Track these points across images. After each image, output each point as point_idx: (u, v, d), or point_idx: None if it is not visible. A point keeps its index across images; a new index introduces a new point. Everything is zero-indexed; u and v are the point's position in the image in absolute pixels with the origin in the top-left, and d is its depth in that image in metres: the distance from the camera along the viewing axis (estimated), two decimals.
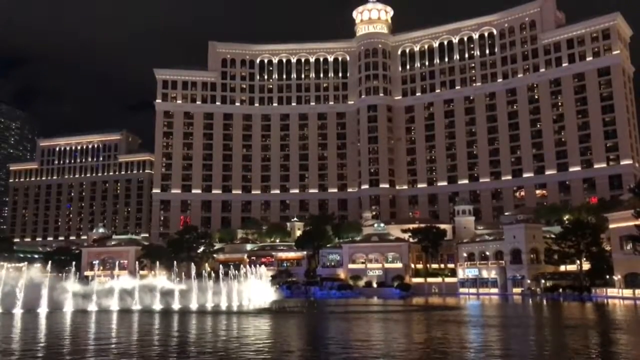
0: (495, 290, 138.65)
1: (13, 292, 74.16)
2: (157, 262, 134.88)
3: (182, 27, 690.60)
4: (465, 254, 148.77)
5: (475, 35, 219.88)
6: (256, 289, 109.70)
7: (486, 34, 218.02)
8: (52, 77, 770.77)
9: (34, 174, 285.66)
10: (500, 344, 40.77)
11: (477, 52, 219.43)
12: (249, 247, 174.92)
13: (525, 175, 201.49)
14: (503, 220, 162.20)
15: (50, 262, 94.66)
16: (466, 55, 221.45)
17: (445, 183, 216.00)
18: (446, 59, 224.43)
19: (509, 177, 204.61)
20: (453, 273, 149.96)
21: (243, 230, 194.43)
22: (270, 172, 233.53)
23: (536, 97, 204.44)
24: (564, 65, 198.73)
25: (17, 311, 71.42)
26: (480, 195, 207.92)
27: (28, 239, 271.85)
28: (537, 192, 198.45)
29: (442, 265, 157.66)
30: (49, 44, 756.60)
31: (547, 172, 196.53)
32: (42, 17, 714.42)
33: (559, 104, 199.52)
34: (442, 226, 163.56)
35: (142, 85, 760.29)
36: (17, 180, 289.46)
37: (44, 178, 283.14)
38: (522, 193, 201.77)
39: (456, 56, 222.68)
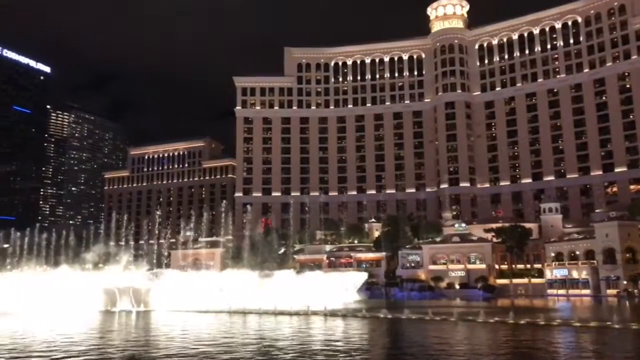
0: (586, 291, 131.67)
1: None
2: (241, 263, 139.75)
3: (260, 35, 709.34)
4: (552, 254, 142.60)
5: (558, 25, 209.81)
6: (339, 289, 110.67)
7: (570, 23, 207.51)
8: (140, 91, 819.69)
9: (126, 181, 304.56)
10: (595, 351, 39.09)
11: (560, 42, 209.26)
12: (327, 248, 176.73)
13: (617, 169, 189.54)
14: (594, 218, 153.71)
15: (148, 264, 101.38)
16: (548, 46, 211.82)
17: (529, 180, 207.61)
18: (527, 51, 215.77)
19: (599, 172, 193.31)
20: (540, 274, 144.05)
21: (321, 231, 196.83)
22: (346, 173, 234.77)
23: (627, 86, 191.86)
24: None
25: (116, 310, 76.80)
26: (567, 191, 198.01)
27: (122, 243, 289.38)
28: (631, 187, 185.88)
29: (528, 266, 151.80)
30: (135, 60, 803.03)
31: None
32: (124, 35, 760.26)
33: None
34: (527, 225, 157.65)
35: (223, 94, 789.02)
36: (110, 187, 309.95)
37: (134, 185, 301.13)
38: (614, 189, 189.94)
39: (537, 48, 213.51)
